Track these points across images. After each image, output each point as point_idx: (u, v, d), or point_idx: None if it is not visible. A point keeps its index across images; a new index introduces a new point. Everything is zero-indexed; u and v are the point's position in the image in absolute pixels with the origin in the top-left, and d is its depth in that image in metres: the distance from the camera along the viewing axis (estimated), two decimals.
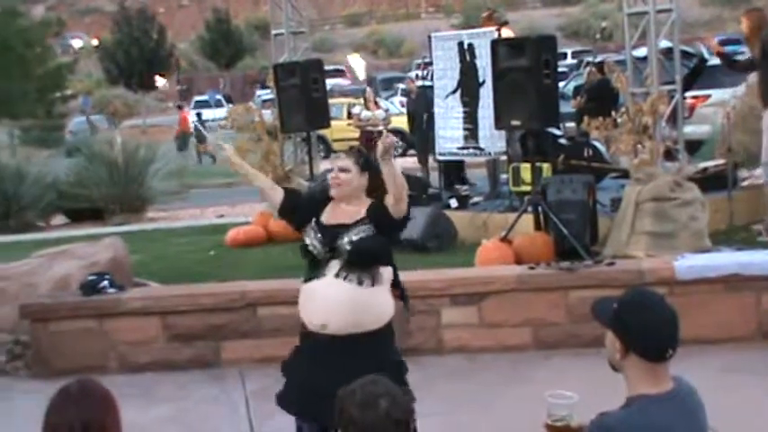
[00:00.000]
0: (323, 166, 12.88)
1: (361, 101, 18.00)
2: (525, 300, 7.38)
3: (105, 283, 7.87)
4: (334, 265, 4.30)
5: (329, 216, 4.45)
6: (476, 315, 7.42)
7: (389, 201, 4.32)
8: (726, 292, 7.25)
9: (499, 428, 5.83)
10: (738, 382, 6.33)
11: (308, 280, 4.40)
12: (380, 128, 14.95)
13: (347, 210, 4.42)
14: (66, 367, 7.30)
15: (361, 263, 4.28)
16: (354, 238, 4.30)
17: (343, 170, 4.41)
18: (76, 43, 48.74)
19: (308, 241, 4.39)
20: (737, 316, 7.20)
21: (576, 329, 7.18)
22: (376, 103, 16.06)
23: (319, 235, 4.37)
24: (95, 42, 49.48)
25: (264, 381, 7.12)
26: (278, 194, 4.62)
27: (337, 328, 4.25)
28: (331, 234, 4.34)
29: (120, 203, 15.97)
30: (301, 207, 4.58)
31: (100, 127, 35.28)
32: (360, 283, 4.26)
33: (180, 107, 36.55)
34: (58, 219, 16.77)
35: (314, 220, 4.45)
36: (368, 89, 16.61)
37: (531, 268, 7.64)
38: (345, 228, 4.34)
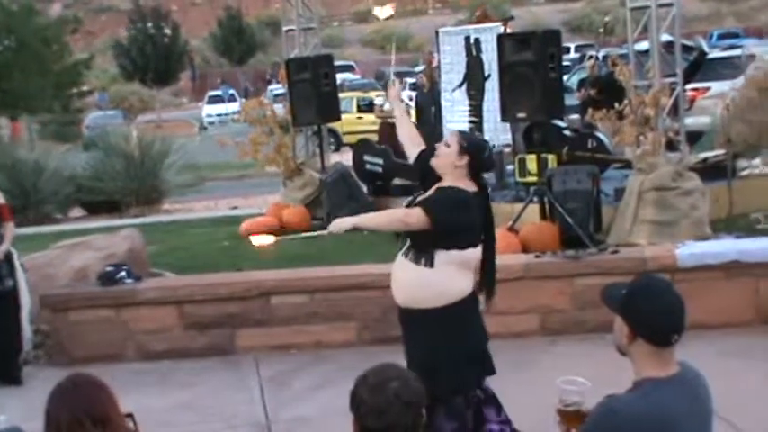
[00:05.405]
0: (333, 158, 12.99)
1: (372, 94, 18.23)
2: (532, 287, 7.52)
3: (122, 273, 8.02)
4: (404, 244, 4.45)
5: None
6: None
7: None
8: (725, 278, 7.41)
9: (507, 413, 5.90)
10: (736, 366, 6.43)
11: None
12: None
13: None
14: (86, 355, 7.50)
15: (414, 241, 4.40)
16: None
17: (445, 145, 4.55)
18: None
19: None
20: (737, 302, 7.36)
21: (581, 316, 7.34)
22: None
23: None
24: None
25: (278, 367, 7.27)
26: (413, 152, 4.81)
27: (401, 301, 4.50)
28: None
29: (137, 196, 16.11)
30: (423, 176, 4.69)
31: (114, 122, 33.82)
32: (416, 262, 4.38)
33: (13, 119, 29.14)
34: (76, 211, 16.87)
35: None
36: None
37: (538, 257, 7.80)
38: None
